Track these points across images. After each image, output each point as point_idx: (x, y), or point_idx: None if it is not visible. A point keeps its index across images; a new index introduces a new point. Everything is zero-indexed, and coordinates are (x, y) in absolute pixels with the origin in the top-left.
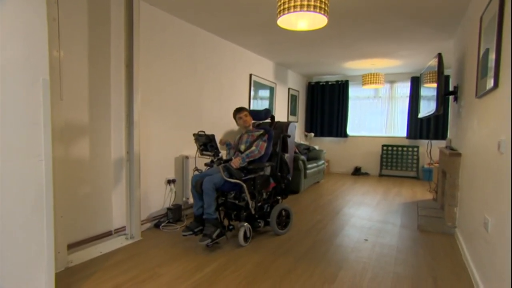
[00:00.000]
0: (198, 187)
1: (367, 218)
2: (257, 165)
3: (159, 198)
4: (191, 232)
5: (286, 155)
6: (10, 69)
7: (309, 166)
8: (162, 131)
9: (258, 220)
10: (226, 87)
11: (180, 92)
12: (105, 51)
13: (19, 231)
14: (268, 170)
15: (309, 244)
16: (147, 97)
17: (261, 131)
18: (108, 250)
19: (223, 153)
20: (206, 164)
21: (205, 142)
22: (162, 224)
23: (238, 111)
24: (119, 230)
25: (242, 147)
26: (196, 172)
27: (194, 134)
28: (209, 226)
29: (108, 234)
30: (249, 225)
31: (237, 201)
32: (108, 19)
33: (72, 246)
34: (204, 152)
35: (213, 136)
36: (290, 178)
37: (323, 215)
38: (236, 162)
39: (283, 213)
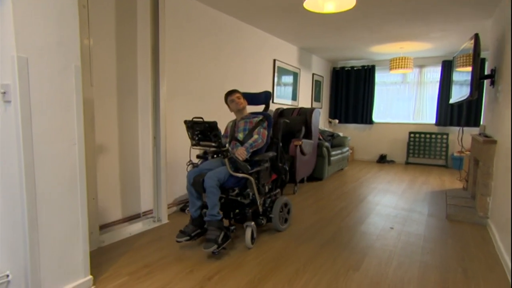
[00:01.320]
0: (198, 185)
1: (392, 206)
2: (262, 156)
3: (184, 183)
4: (187, 237)
5: (310, 141)
6: (44, 56)
7: (333, 153)
8: (187, 116)
9: (261, 217)
10: (250, 72)
11: (204, 78)
12: (131, 38)
13: (56, 211)
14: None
15: (333, 231)
16: (172, 82)
17: (260, 117)
18: (136, 232)
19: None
20: (198, 156)
21: (203, 130)
22: (187, 209)
23: (230, 93)
24: (147, 213)
25: (240, 136)
26: (192, 167)
27: (186, 121)
28: (213, 230)
29: (136, 217)
30: (255, 224)
31: (239, 198)
32: (135, 5)
33: (103, 227)
34: (202, 143)
35: (215, 123)
36: (287, 169)
37: (347, 202)
38: (242, 154)
39: (285, 207)
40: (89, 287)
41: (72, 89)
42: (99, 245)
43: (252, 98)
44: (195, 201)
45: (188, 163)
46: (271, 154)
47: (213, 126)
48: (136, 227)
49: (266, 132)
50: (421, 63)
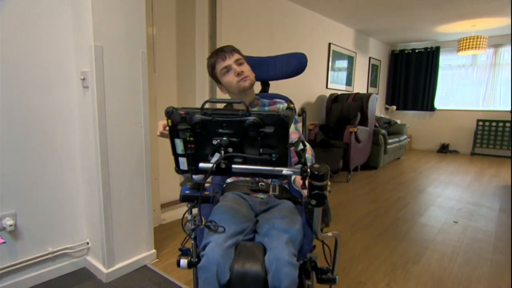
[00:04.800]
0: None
1: (456, 199)
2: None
3: None
4: None
5: (366, 128)
6: (116, 44)
7: (390, 141)
8: None
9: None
10: None
11: None
12: (190, 25)
13: (126, 189)
14: None
15: (389, 221)
16: None
17: (284, 104)
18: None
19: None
20: (196, 188)
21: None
22: None
23: (221, 53)
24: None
25: None
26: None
27: (169, 112)
28: None
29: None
30: None
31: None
32: None
33: (164, 206)
34: (239, 167)
35: (289, 114)
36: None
37: (404, 193)
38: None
39: None
40: (153, 259)
41: (139, 74)
42: (160, 223)
43: (264, 68)
44: None
45: (189, 209)
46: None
47: (286, 121)
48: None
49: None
50: (497, 42)
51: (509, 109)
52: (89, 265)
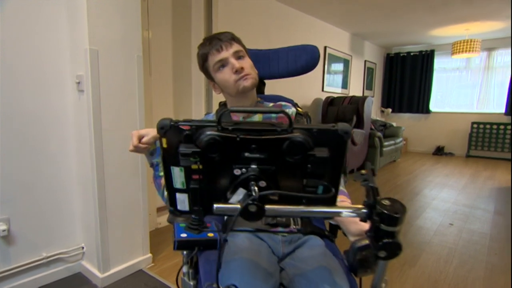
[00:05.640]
0: None
1: (451, 201)
2: None
3: None
4: None
5: (361, 131)
6: (111, 47)
7: (385, 143)
8: None
9: None
10: None
11: None
12: (186, 28)
13: (121, 193)
14: None
15: None
16: None
17: (292, 108)
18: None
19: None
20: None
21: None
22: None
23: (215, 42)
24: None
25: None
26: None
27: (164, 126)
28: None
29: None
30: None
31: None
32: None
33: (160, 210)
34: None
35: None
36: None
37: (400, 195)
38: (361, 227)
39: None
40: (149, 264)
41: (134, 78)
42: (156, 227)
43: (263, 60)
44: None
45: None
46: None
47: (345, 140)
48: None
49: None
50: (490, 46)
51: (503, 111)
52: (84, 270)
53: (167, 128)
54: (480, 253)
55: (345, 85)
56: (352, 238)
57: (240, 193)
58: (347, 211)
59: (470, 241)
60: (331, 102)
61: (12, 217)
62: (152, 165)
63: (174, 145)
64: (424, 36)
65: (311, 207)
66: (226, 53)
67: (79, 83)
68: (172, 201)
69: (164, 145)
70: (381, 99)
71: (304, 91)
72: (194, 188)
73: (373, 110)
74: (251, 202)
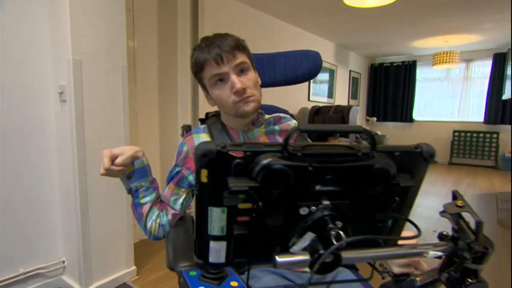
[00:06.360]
0: None
1: (435, 208)
2: None
3: None
4: None
5: (348, 140)
6: (95, 58)
7: None
8: None
9: None
10: None
11: None
12: (172, 38)
13: (104, 205)
14: None
15: None
16: None
17: (292, 120)
18: None
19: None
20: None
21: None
22: None
23: (215, 52)
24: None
25: None
26: None
27: (209, 152)
28: None
29: None
30: None
31: None
32: (175, 6)
33: None
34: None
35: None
36: None
37: None
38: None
39: None
40: (133, 277)
41: (119, 88)
42: (141, 238)
43: (257, 66)
44: None
45: None
46: None
47: (428, 162)
48: None
49: None
50: (468, 57)
51: (482, 120)
52: (64, 285)
53: (212, 156)
54: None
55: (330, 94)
56: (396, 269)
57: (308, 237)
58: (433, 249)
59: None
60: (317, 111)
61: None
62: (130, 191)
63: (218, 178)
64: (407, 47)
65: (392, 249)
66: (227, 67)
67: (61, 93)
68: (202, 251)
69: (204, 179)
70: (366, 108)
71: (290, 100)
72: (240, 234)
73: (358, 119)
74: (334, 251)
